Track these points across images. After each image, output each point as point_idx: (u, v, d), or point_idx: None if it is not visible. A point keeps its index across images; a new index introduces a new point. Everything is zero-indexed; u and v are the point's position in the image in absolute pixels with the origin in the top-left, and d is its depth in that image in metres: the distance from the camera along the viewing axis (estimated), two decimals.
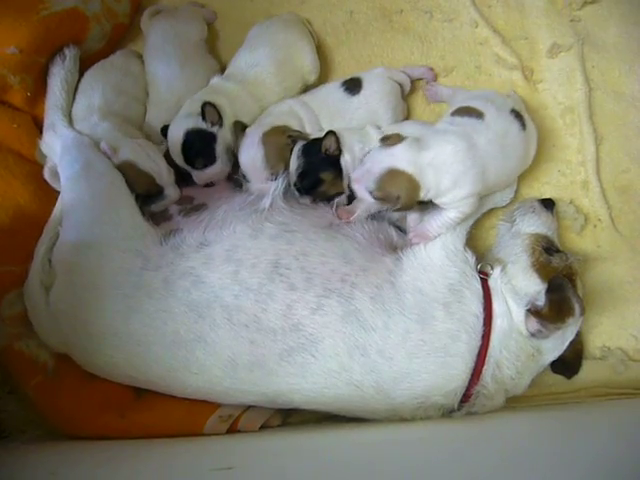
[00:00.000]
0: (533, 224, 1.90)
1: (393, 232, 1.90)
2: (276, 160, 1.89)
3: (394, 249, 1.83)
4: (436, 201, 1.74)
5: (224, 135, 1.94)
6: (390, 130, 1.95)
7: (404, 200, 1.68)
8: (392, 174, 1.67)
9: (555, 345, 1.76)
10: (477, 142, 1.73)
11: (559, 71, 2.17)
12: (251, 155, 1.89)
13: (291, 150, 1.90)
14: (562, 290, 1.66)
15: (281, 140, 1.90)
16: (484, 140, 1.74)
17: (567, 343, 1.77)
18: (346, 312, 1.66)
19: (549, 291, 1.69)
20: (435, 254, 1.76)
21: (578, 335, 1.83)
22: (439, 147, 1.69)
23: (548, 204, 1.96)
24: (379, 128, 1.98)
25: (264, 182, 1.90)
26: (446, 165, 1.69)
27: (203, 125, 1.90)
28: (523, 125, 1.83)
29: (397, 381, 1.66)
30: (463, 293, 1.72)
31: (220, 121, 1.92)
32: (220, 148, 1.92)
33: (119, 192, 1.81)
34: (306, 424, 1.84)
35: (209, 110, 1.89)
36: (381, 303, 1.68)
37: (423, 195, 1.70)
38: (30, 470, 1.49)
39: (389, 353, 1.65)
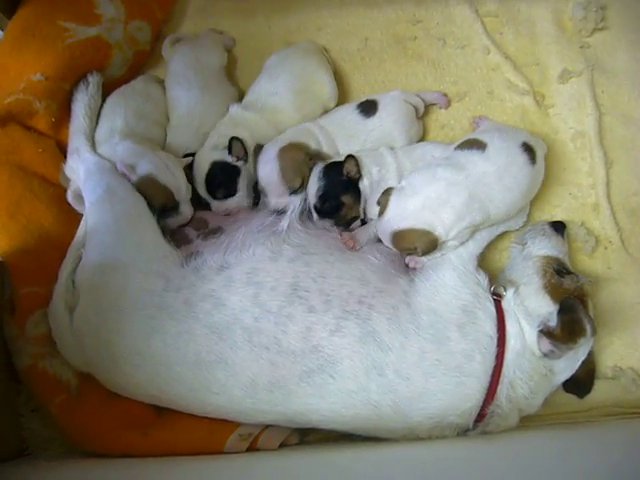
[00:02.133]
0: (544, 247, 1.93)
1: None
2: (293, 174, 1.92)
3: (408, 270, 1.86)
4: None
5: (248, 169, 1.99)
6: (404, 152, 2.01)
7: (423, 247, 1.76)
8: (397, 235, 1.78)
9: (567, 365, 1.77)
10: (470, 172, 1.78)
11: (569, 96, 2.21)
12: (268, 169, 1.93)
13: (310, 168, 1.93)
14: (574, 311, 1.68)
15: (298, 155, 1.93)
16: (479, 171, 1.79)
17: (579, 363, 1.79)
18: (364, 333, 1.68)
19: (561, 312, 1.71)
20: (446, 275, 1.79)
21: (590, 355, 1.85)
22: (425, 189, 1.77)
23: (559, 227, 1.99)
24: (392, 149, 2.01)
25: (281, 197, 1.94)
26: (441, 201, 1.75)
27: (229, 159, 1.96)
28: (532, 160, 1.86)
29: (414, 401, 1.68)
30: (477, 314, 1.74)
31: (245, 156, 1.97)
32: (243, 182, 1.98)
33: (141, 215, 1.85)
34: (324, 443, 1.86)
35: (236, 145, 1.94)
36: (397, 324, 1.70)
37: (439, 233, 1.76)
38: None
39: (406, 373, 1.67)
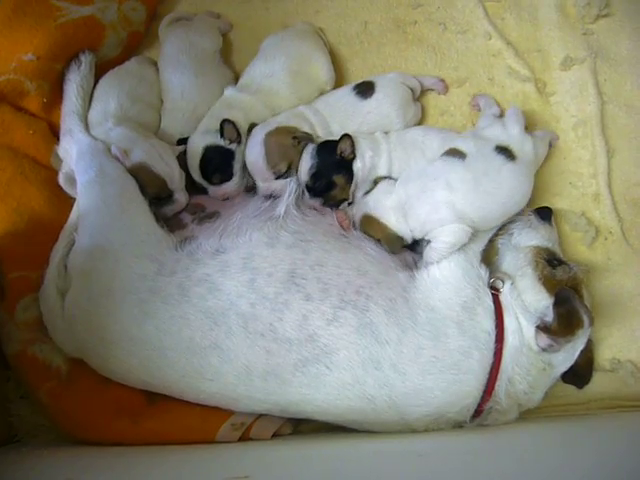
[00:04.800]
0: (532, 238, 1.90)
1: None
2: (278, 159, 1.90)
3: (407, 266, 1.84)
4: (423, 236, 1.82)
5: (242, 151, 1.95)
6: (397, 137, 1.99)
7: (384, 240, 1.83)
8: (366, 219, 1.86)
9: (566, 357, 1.75)
10: (449, 180, 1.77)
11: (571, 84, 2.17)
12: (254, 154, 1.91)
13: (299, 151, 1.91)
14: (569, 303, 1.67)
15: (284, 140, 1.91)
16: (457, 178, 1.77)
17: (577, 353, 1.77)
18: (361, 324, 1.66)
19: (556, 304, 1.69)
20: (450, 273, 1.76)
21: (588, 344, 1.82)
22: (399, 191, 1.83)
23: (545, 214, 1.95)
24: (386, 135, 1.99)
25: (267, 181, 1.92)
26: (409, 206, 1.80)
27: (221, 142, 1.92)
28: (510, 157, 1.81)
29: (410, 397, 1.66)
30: (476, 310, 1.72)
31: (238, 138, 1.93)
32: (237, 165, 1.94)
33: (132, 198, 1.82)
34: (318, 433, 1.84)
35: (228, 128, 1.90)
36: (395, 317, 1.68)
37: (404, 233, 1.83)
38: (45, 475, 1.50)
39: (402, 368, 1.65)
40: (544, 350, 1.69)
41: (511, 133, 1.88)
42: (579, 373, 1.88)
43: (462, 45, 2.23)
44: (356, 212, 1.88)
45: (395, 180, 1.89)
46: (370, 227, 1.84)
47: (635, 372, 1.97)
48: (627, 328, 2.01)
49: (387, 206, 1.82)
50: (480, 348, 1.68)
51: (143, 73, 2.11)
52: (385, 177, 1.91)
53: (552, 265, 1.82)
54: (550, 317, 1.69)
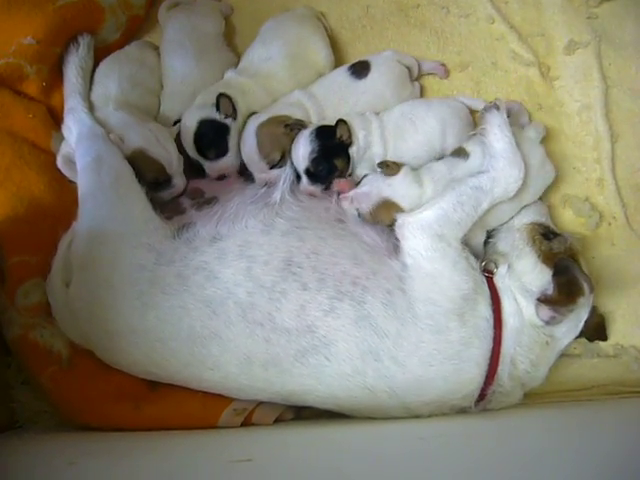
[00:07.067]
0: (525, 215, 1.89)
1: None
2: (270, 149, 1.89)
3: (395, 251, 1.79)
4: None
5: (237, 128, 1.93)
6: (387, 114, 1.98)
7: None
8: (387, 205, 1.80)
9: (570, 328, 1.74)
10: (455, 176, 1.80)
11: (576, 68, 2.16)
12: (247, 146, 1.90)
13: (292, 138, 1.90)
14: (568, 271, 1.66)
15: (276, 130, 1.90)
16: (461, 174, 1.79)
17: (582, 323, 1.76)
18: (359, 316, 1.64)
19: (556, 274, 1.68)
20: (444, 266, 1.71)
21: (593, 311, 1.81)
22: (428, 186, 1.82)
23: None
24: (377, 114, 1.98)
25: (263, 172, 1.91)
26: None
27: (216, 116, 1.90)
28: None
29: (411, 388, 1.66)
30: (476, 300, 1.70)
31: (234, 113, 1.91)
32: (233, 140, 1.92)
33: (129, 187, 1.79)
34: (320, 418, 1.82)
35: (224, 101, 1.88)
36: (393, 310, 1.66)
37: None
38: (47, 459, 1.49)
39: (402, 360, 1.64)
40: (547, 323, 1.69)
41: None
42: (594, 336, 1.90)
43: (465, 29, 2.21)
44: (372, 192, 1.83)
45: (409, 166, 1.87)
46: (387, 212, 1.80)
47: (639, 358, 1.96)
48: (630, 314, 2.01)
49: (414, 196, 1.81)
50: (479, 336, 1.67)
51: (144, 57, 2.10)
52: (403, 164, 1.87)
53: (548, 239, 1.82)
54: (550, 289, 1.68)
